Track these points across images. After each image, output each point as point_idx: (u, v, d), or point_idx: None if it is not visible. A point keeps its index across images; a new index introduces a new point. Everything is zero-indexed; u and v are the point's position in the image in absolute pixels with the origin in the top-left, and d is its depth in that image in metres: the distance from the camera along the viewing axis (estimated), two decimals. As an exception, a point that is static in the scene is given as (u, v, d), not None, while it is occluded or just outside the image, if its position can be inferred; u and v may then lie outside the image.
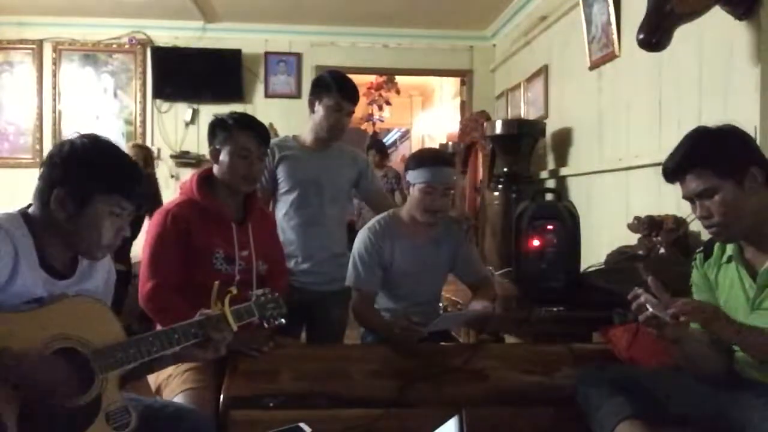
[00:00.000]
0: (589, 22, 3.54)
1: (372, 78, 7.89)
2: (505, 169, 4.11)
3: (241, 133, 2.09)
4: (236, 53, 5.46)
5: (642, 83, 3.06)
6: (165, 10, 5.09)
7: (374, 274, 2.32)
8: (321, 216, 2.62)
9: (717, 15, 2.29)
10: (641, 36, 2.23)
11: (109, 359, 1.43)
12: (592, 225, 3.30)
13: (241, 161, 2.08)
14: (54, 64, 5.47)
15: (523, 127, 4.14)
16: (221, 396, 1.91)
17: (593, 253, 2.96)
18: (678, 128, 2.70)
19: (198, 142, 5.44)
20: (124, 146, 4.41)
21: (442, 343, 2.37)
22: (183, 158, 5.48)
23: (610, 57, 3.36)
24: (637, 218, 2.71)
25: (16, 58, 5.47)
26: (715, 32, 2.48)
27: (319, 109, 2.58)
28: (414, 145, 9.01)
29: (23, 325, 1.35)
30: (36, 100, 5.45)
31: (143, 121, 5.53)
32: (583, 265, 2.82)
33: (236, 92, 5.47)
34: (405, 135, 10.02)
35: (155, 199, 4.10)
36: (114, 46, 5.51)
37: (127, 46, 5.51)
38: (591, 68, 3.58)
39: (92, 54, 5.52)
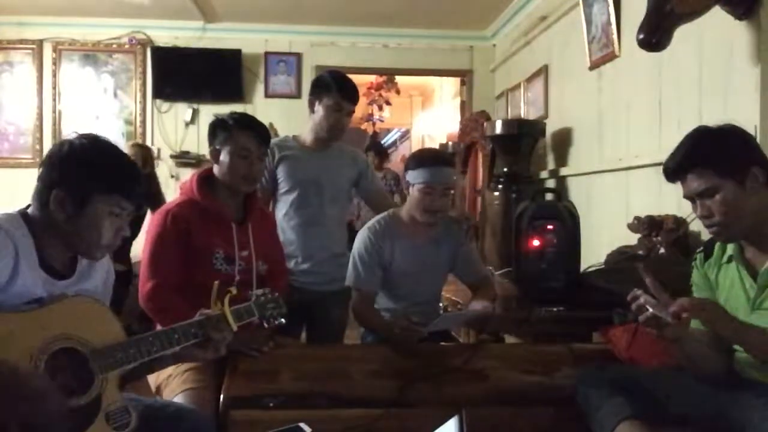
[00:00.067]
0: (589, 22, 3.55)
1: (372, 78, 7.89)
2: (505, 169, 4.11)
3: (241, 133, 2.09)
4: (236, 53, 5.46)
5: (642, 83, 3.06)
6: (165, 10, 5.09)
7: (374, 274, 2.32)
8: (321, 216, 2.62)
9: (717, 15, 2.29)
10: (641, 36, 2.23)
11: (109, 359, 1.43)
12: (592, 225, 3.30)
13: (242, 161, 2.08)
14: (54, 64, 5.47)
15: (523, 127, 4.14)
16: (221, 396, 1.91)
17: (593, 253, 2.96)
18: (678, 128, 2.70)
19: (198, 142, 5.44)
20: (124, 146, 4.40)
21: (442, 343, 2.37)
22: (183, 158, 5.48)
23: (610, 57, 3.36)
24: (637, 218, 2.71)
25: (16, 58, 5.47)
26: (715, 32, 2.48)
27: (319, 109, 2.58)
28: (414, 145, 9.01)
29: (23, 325, 1.35)
30: (36, 100, 5.46)
31: (143, 121, 5.53)
32: (583, 265, 2.82)
33: (236, 92, 5.47)
34: (405, 135, 10.02)
35: (156, 198, 4.10)
36: (114, 46, 5.51)
37: (127, 46, 5.51)
38: (591, 68, 3.58)
39: (92, 54, 5.52)
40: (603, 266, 2.77)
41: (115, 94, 5.54)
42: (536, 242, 2.77)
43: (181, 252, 2.01)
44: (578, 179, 3.81)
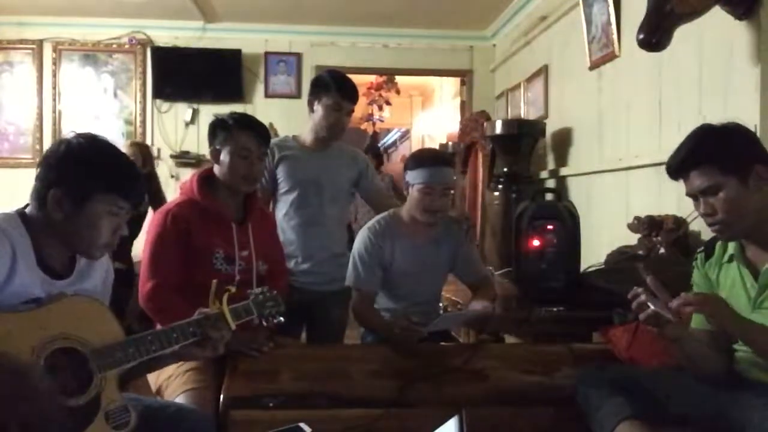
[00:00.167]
0: (589, 22, 3.54)
1: (372, 78, 7.88)
2: (505, 169, 4.11)
3: (242, 133, 2.10)
4: (236, 53, 5.45)
5: (642, 83, 3.06)
6: (165, 10, 5.08)
7: (374, 274, 2.32)
8: (321, 216, 2.62)
9: (717, 15, 2.29)
10: (641, 36, 2.23)
11: (108, 359, 1.43)
12: (592, 225, 3.30)
13: (242, 161, 2.08)
14: (54, 64, 5.46)
15: (523, 127, 4.14)
16: (221, 396, 1.91)
17: (593, 253, 2.96)
18: (678, 128, 2.70)
19: (198, 142, 5.43)
20: (123, 146, 4.40)
21: (442, 343, 2.37)
22: (183, 158, 5.48)
23: (610, 57, 3.35)
24: (637, 218, 2.70)
25: (16, 58, 5.46)
26: (715, 32, 2.48)
27: (319, 108, 2.58)
28: (414, 145, 9.00)
29: (22, 325, 1.35)
30: (36, 100, 5.45)
31: (143, 121, 5.53)
32: (583, 265, 2.82)
33: (236, 92, 5.46)
34: (405, 135, 10.01)
35: (157, 197, 4.10)
36: (114, 46, 5.51)
37: (127, 46, 5.50)
38: (591, 68, 3.58)
39: (92, 54, 5.51)
40: (603, 266, 2.77)
41: (115, 94, 5.54)
42: (536, 242, 2.77)
43: (181, 252, 2.01)
44: (578, 179, 3.81)
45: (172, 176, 5.44)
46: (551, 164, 4.21)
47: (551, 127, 4.15)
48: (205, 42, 5.47)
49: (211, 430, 1.73)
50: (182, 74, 5.39)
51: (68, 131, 1.84)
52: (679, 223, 2.52)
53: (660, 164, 2.48)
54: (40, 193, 1.46)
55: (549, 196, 3.29)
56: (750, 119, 2.18)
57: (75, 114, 5.48)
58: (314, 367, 2.07)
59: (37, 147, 5.40)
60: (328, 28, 5.52)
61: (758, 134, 2.17)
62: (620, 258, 2.72)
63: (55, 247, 1.49)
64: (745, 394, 1.59)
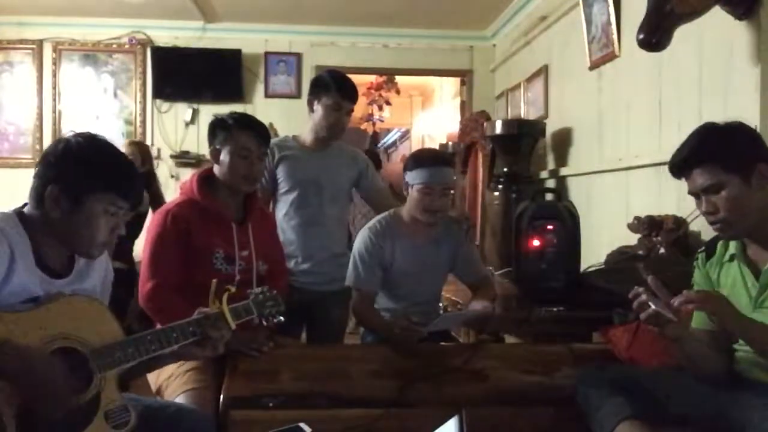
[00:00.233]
0: (589, 22, 3.54)
1: (372, 78, 7.88)
2: (505, 169, 4.11)
3: (242, 133, 2.10)
4: (236, 53, 5.45)
5: (642, 83, 3.06)
6: (165, 10, 5.08)
7: (374, 274, 2.32)
8: (321, 216, 2.62)
9: (717, 15, 2.29)
10: (641, 36, 2.23)
11: (108, 358, 1.43)
12: (592, 225, 3.30)
13: (242, 161, 2.08)
14: (54, 64, 5.46)
15: (523, 127, 4.14)
16: (221, 396, 1.91)
17: (593, 253, 2.96)
18: (678, 128, 2.70)
19: (198, 142, 5.43)
20: (121, 145, 4.39)
21: (442, 343, 2.37)
22: (183, 158, 5.47)
23: (610, 57, 3.35)
24: (637, 218, 2.70)
25: (16, 58, 5.46)
26: (715, 32, 2.48)
27: (318, 108, 2.58)
28: (414, 145, 8.99)
29: (21, 324, 1.34)
30: (36, 100, 5.45)
31: (143, 121, 5.53)
32: (583, 265, 2.82)
33: (236, 92, 5.46)
34: (405, 135, 10.00)
35: (156, 196, 4.09)
36: (114, 46, 5.51)
37: (127, 46, 5.50)
38: (591, 68, 3.57)
39: (92, 54, 5.51)
40: (603, 266, 2.77)
41: (115, 94, 5.54)
42: (536, 242, 2.77)
43: (181, 252, 2.01)
44: (578, 179, 3.81)
45: (172, 176, 5.44)
46: (551, 164, 4.21)
47: (551, 127, 4.15)
48: (205, 42, 5.47)
49: (211, 430, 1.73)
50: (182, 74, 5.39)
51: (68, 131, 1.84)
52: (679, 223, 2.52)
53: (660, 164, 2.48)
54: (38, 191, 1.46)
55: (549, 196, 3.29)
56: (750, 119, 2.17)
57: (75, 114, 5.48)
58: (314, 367, 2.07)
59: (37, 147, 5.39)
60: (328, 28, 5.52)
61: (758, 134, 2.18)
62: (620, 258, 2.72)
63: (54, 247, 1.48)
64: (745, 394, 1.59)
